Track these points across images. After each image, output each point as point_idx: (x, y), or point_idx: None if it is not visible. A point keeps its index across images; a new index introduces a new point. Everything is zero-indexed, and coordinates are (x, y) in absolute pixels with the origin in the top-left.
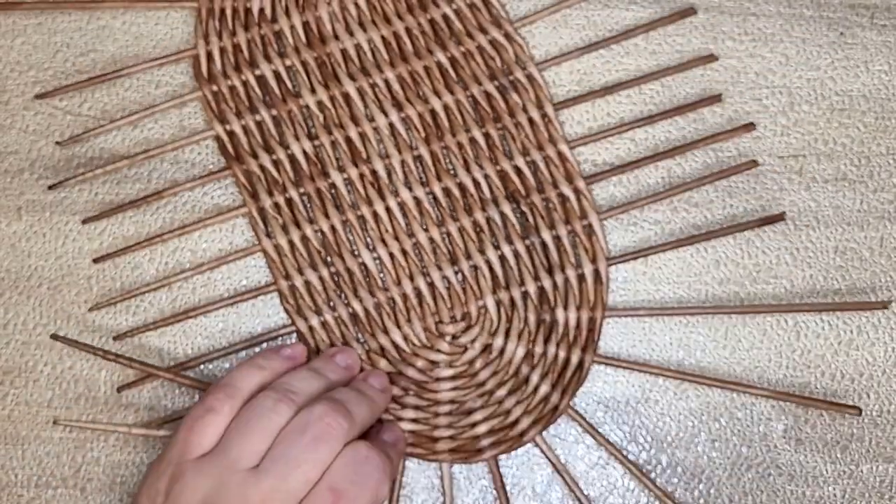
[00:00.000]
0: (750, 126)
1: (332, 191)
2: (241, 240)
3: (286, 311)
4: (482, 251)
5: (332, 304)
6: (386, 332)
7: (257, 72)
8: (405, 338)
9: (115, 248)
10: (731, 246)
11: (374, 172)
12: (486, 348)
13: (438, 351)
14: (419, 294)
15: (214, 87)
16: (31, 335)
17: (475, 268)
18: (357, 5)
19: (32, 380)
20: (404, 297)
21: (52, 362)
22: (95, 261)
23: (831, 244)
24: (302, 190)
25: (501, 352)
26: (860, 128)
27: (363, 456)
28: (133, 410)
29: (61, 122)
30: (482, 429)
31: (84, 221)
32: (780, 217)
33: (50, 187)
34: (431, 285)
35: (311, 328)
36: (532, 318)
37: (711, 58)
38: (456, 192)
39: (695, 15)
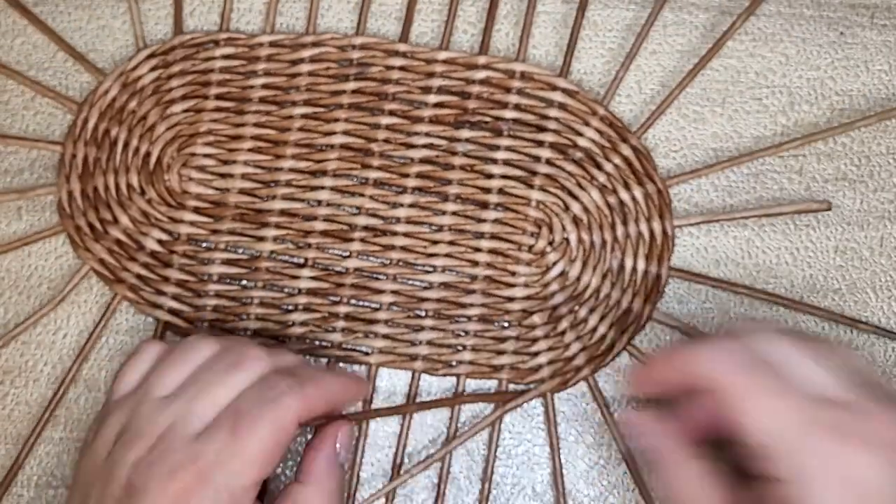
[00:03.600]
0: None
1: None
2: None
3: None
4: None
5: None
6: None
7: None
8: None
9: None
10: (731, 246)
11: None
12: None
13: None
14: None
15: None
16: (31, 335)
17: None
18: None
19: (32, 380)
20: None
21: (52, 362)
22: None
23: (831, 244)
24: None
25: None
26: (860, 127)
27: (273, 380)
28: None
29: (61, 121)
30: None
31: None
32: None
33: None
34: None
35: None
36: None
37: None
38: None
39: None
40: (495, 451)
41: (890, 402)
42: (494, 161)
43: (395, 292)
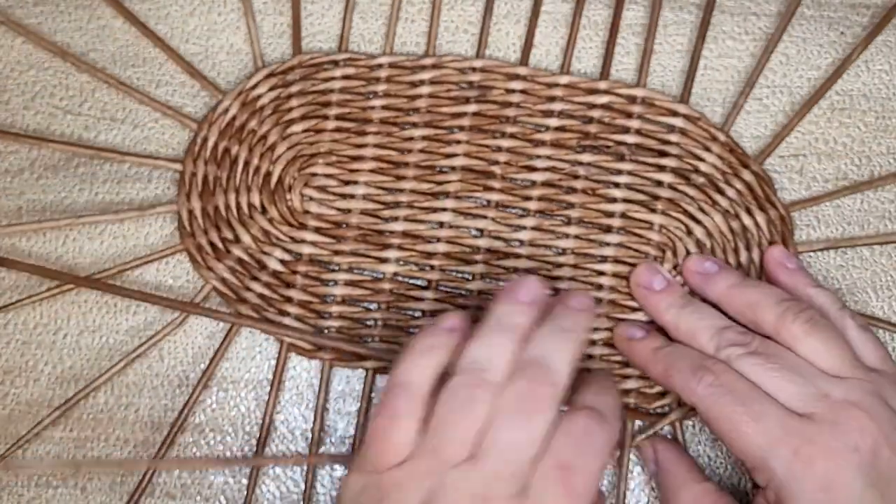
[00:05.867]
0: None
1: None
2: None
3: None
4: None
5: None
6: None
7: None
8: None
9: (117, 248)
10: None
11: None
12: None
13: None
14: None
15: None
16: (31, 335)
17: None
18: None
19: (33, 379)
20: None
21: (52, 362)
22: None
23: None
24: None
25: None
26: (861, 127)
27: (581, 427)
28: (133, 410)
29: (61, 122)
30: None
31: None
32: None
33: None
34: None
35: None
36: None
37: None
38: None
39: None
40: (626, 476)
41: (851, 404)
42: (616, 185)
43: None
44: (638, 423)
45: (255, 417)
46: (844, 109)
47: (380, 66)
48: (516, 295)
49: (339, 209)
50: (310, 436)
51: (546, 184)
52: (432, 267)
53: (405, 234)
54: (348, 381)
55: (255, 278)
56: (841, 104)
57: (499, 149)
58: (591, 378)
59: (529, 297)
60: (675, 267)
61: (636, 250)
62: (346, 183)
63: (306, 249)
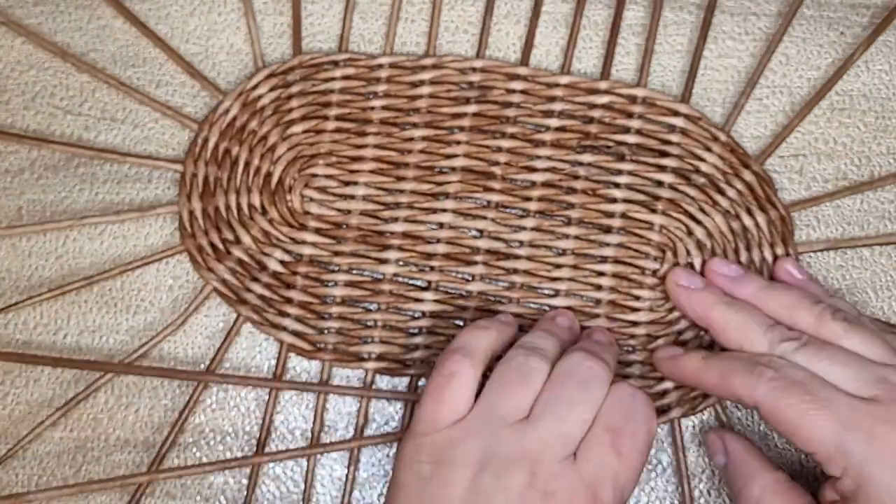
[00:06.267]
0: None
1: None
2: None
3: None
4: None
5: None
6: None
7: None
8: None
9: (117, 248)
10: None
11: None
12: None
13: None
14: None
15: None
16: (31, 335)
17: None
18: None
19: (33, 379)
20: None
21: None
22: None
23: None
24: None
25: None
26: (860, 127)
27: (629, 394)
28: (133, 410)
29: (61, 122)
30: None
31: None
32: None
33: None
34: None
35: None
36: None
37: None
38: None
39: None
40: None
41: None
42: (617, 185)
43: (518, 316)
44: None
45: (255, 417)
46: (844, 109)
47: (380, 66)
48: (557, 320)
49: (339, 210)
50: (310, 436)
51: (546, 184)
52: (432, 268)
53: (405, 235)
54: (348, 380)
55: (255, 279)
56: (841, 104)
57: (499, 149)
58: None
59: (567, 324)
60: (675, 266)
61: (636, 251)
62: (346, 184)
63: (306, 250)
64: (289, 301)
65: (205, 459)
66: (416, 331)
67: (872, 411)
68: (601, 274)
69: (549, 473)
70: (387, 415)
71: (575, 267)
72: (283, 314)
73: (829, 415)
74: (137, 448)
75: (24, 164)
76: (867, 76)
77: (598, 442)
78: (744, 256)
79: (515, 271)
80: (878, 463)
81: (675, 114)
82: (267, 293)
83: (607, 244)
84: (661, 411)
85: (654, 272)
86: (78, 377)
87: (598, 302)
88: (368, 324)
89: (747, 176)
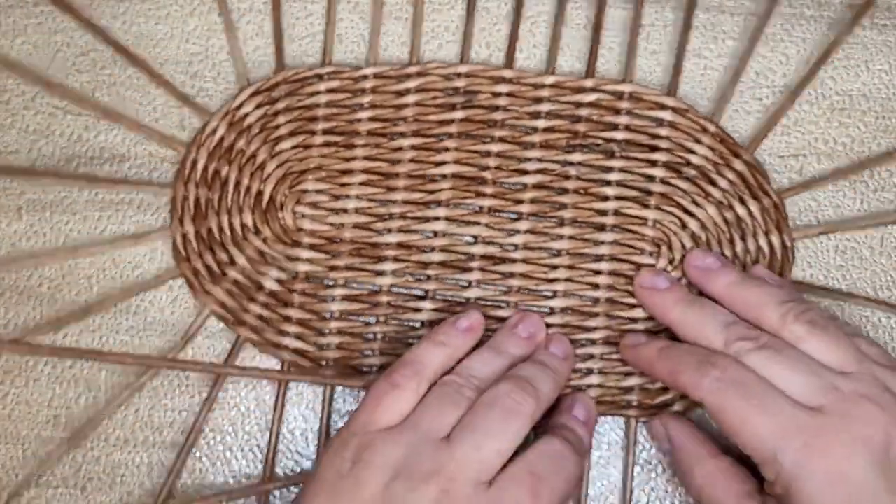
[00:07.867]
0: None
1: None
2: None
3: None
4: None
5: None
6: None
7: None
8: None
9: (119, 247)
10: None
11: None
12: None
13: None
14: None
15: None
16: (31, 335)
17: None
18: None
19: (33, 379)
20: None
21: (52, 362)
22: None
23: (831, 244)
24: None
25: None
26: (860, 127)
27: (558, 450)
28: (133, 410)
29: (61, 121)
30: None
31: None
32: None
33: None
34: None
35: None
36: None
37: None
38: None
39: None
40: (632, 476)
41: (861, 396)
42: (608, 183)
43: None
44: (642, 419)
45: (254, 417)
46: (844, 109)
47: (364, 77)
48: (517, 329)
49: (332, 224)
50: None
51: (538, 186)
52: (428, 277)
53: (400, 246)
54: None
55: (252, 299)
56: (841, 104)
57: (488, 153)
58: (571, 401)
59: (527, 333)
60: (670, 262)
61: (631, 247)
62: (338, 197)
63: (302, 267)
64: (287, 319)
65: (205, 459)
66: (415, 341)
67: (813, 423)
68: (598, 273)
69: (462, 495)
70: None
71: (571, 267)
72: (282, 333)
73: (768, 420)
74: (138, 448)
75: (24, 164)
76: (867, 76)
77: (518, 481)
78: (739, 246)
79: (512, 275)
80: (807, 479)
81: (663, 107)
82: (265, 313)
83: (602, 242)
84: (662, 407)
85: (651, 267)
86: (78, 377)
87: (596, 301)
88: (368, 337)
89: (738, 165)
